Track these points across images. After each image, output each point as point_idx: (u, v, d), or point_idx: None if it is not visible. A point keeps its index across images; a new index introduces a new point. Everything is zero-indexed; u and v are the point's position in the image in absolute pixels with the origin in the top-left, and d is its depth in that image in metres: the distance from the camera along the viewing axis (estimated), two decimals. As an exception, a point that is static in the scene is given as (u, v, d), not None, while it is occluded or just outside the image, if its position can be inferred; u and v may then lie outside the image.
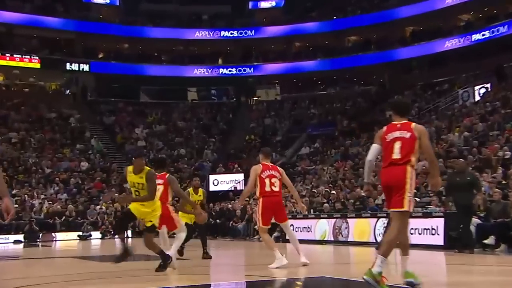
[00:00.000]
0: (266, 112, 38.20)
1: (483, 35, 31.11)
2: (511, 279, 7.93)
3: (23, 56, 34.47)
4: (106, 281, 8.10)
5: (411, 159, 5.44)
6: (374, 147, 5.84)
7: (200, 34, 38.38)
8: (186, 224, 9.56)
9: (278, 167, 9.05)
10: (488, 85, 28.34)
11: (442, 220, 13.54)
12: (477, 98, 27.35)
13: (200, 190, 11.12)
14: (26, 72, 35.52)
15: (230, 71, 38.72)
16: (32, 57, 34.66)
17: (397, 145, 5.48)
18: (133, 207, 8.22)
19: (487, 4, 31.94)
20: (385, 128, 5.79)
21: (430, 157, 5.79)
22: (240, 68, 38.67)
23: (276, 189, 8.66)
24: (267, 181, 8.53)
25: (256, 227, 17.17)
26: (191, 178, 10.91)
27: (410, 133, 5.50)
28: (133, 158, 8.09)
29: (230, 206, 24.33)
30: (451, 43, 32.54)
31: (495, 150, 18.16)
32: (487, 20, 31.93)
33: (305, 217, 19.63)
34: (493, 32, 30.72)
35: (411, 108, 7.42)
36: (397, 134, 5.56)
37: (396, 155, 5.46)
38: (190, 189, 10.98)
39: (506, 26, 30.27)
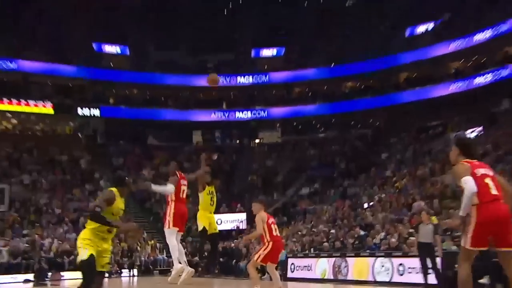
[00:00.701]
0: (268, 154, 38.22)
1: (474, 82, 31.49)
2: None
3: (37, 102, 34.78)
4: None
5: None
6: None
7: (205, 80, 39.10)
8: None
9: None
10: (480, 128, 28.34)
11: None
12: (469, 141, 27.12)
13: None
14: (40, 117, 35.88)
15: (233, 115, 39.04)
16: (45, 103, 34.98)
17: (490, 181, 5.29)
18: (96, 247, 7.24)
19: (477, 53, 32.57)
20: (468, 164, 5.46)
21: None
22: (243, 112, 39.02)
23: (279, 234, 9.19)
24: (273, 226, 8.91)
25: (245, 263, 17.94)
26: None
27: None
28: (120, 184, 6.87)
29: (233, 245, 24.30)
30: (445, 89, 33.02)
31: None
32: (476, 68, 32.53)
33: (306, 255, 19.75)
34: (485, 78, 31.01)
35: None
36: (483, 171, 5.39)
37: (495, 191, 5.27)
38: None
39: (490, 74, 30.93)
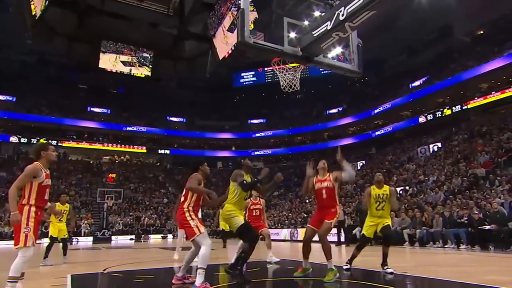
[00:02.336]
0: (257, 173, 40.24)
1: (363, 137, 33.72)
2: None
3: (137, 147, 36.73)
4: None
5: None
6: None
7: (225, 136, 40.34)
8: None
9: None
10: (363, 162, 30.03)
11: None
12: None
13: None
14: (138, 155, 37.04)
15: (239, 153, 40.07)
16: (141, 147, 36.78)
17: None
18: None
19: (363, 123, 34.16)
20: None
21: None
22: (244, 152, 39.96)
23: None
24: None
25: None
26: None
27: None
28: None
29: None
30: (347, 141, 34.22)
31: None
32: (363, 130, 34.22)
33: (276, 227, 19.66)
34: (367, 135, 33.04)
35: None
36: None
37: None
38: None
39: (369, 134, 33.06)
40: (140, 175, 34.19)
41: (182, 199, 4.20)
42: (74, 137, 34.92)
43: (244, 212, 5.69)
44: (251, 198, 6.88)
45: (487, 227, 8.82)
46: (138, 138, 37.36)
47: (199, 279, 3.68)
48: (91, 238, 21.83)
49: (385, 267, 4.95)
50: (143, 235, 23.08)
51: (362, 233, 5.37)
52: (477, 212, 9.59)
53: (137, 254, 10.17)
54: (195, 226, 3.91)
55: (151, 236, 23.32)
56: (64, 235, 7.52)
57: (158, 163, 38.10)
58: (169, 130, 38.61)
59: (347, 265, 5.14)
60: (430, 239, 10.35)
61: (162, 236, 23.36)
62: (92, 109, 36.91)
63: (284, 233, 18.21)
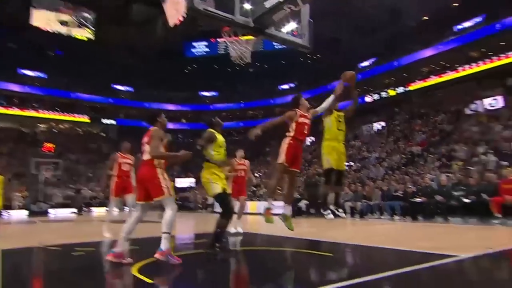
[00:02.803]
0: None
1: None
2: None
3: (79, 116, 33.96)
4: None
5: None
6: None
7: (175, 107, 39.04)
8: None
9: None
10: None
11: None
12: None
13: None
14: (80, 124, 34.52)
15: (189, 126, 39.26)
16: (84, 116, 34.04)
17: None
18: None
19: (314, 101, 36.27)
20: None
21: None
22: (194, 125, 38.70)
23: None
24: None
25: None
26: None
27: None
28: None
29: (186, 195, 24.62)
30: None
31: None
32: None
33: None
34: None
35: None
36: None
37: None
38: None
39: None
40: (82, 146, 32.53)
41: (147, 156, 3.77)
42: (4, 102, 31.61)
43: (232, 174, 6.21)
44: (236, 159, 7.12)
45: (418, 199, 9.69)
46: (79, 106, 34.93)
47: (164, 244, 3.54)
48: (26, 212, 20.41)
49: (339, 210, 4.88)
50: (85, 209, 22.22)
51: (330, 167, 4.73)
52: (411, 187, 10.47)
53: (78, 228, 9.86)
54: (166, 187, 3.67)
55: (95, 209, 22.60)
56: None
57: (103, 134, 36.41)
58: (115, 98, 36.69)
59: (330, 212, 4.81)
60: (369, 211, 11.16)
61: (106, 210, 22.22)
62: (23, 71, 33.49)
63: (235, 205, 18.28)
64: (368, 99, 29.62)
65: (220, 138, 4.57)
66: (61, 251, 5.00)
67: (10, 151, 28.47)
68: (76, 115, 34.19)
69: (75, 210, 21.63)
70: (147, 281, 2.97)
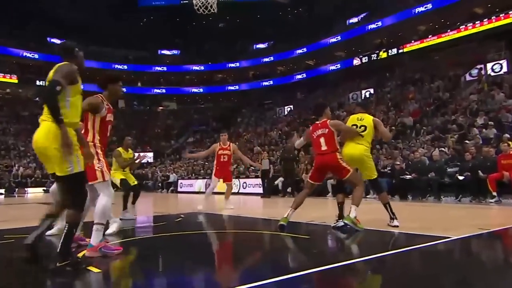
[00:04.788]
0: (168, 116, 38.93)
1: (293, 78, 35.23)
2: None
3: (4, 75, 33.11)
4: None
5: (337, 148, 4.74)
6: (300, 140, 5.16)
7: (128, 68, 37.79)
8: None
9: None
10: (291, 106, 31.40)
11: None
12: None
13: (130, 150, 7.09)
14: (6, 85, 33.62)
15: (145, 90, 39.02)
16: (11, 76, 32.99)
17: (322, 140, 4.71)
18: None
19: (291, 63, 35.24)
20: (310, 127, 4.97)
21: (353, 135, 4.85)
22: (152, 89, 39.22)
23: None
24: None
25: None
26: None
27: (327, 129, 4.72)
28: None
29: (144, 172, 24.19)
30: (274, 82, 35.79)
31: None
32: (293, 70, 35.51)
33: (189, 178, 19.90)
34: (296, 77, 34.32)
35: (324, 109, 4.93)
36: (319, 131, 4.78)
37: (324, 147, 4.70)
38: (121, 148, 6.91)
39: (300, 75, 34.46)
40: (10, 112, 31.72)
41: (82, 129, 3.40)
42: None
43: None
44: (220, 143, 7.83)
45: (408, 176, 10.03)
46: (5, 63, 33.11)
47: (95, 237, 3.29)
48: None
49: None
50: (17, 189, 21.88)
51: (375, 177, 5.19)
52: (399, 163, 10.78)
53: (8, 212, 9.57)
54: (100, 170, 3.42)
55: (29, 189, 22.22)
56: None
57: (36, 98, 34.94)
58: (51, 55, 34.39)
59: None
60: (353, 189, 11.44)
61: (44, 190, 22.01)
62: None
63: (199, 184, 18.37)
64: (356, 61, 29.92)
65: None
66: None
67: None
68: (0, 74, 32.27)
69: (3, 191, 21.12)
70: (94, 270, 2.92)
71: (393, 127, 16.47)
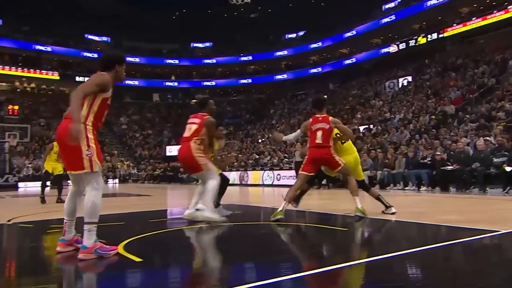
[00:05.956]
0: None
1: (324, 69, 35.07)
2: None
3: (47, 72, 34.48)
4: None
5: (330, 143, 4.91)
6: (297, 133, 5.31)
7: (162, 61, 39.01)
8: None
9: None
10: (325, 96, 32.28)
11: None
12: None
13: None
14: (48, 82, 34.91)
15: (179, 84, 39.70)
16: (53, 73, 34.73)
17: (319, 134, 4.88)
18: None
19: (325, 52, 35.29)
20: (310, 119, 5.08)
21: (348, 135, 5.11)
22: (185, 82, 39.64)
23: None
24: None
25: None
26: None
27: (328, 125, 4.88)
28: None
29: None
30: (307, 72, 35.73)
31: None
32: (325, 60, 35.38)
33: (224, 170, 20.98)
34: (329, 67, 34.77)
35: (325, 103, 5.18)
36: (319, 125, 4.92)
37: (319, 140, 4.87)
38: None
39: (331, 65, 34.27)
40: (52, 108, 32.52)
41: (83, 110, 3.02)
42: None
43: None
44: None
45: (450, 167, 9.68)
46: (47, 60, 34.80)
47: (88, 238, 2.97)
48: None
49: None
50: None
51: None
52: (439, 153, 10.41)
53: (52, 204, 9.99)
54: (88, 158, 2.94)
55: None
56: None
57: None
58: (89, 51, 36.28)
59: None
60: (391, 181, 11.21)
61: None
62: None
63: (233, 176, 18.53)
64: (392, 49, 29.05)
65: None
66: (33, 228, 5.07)
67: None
68: (43, 71, 33.65)
69: (48, 183, 21.96)
70: (135, 259, 2.99)
71: (433, 116, 15.92)
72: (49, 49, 34.34)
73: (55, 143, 8.72)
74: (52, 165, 8.75)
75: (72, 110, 2.84)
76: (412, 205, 7.20)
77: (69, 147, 2.90)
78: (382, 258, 2.86)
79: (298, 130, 5.29)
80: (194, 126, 4.84)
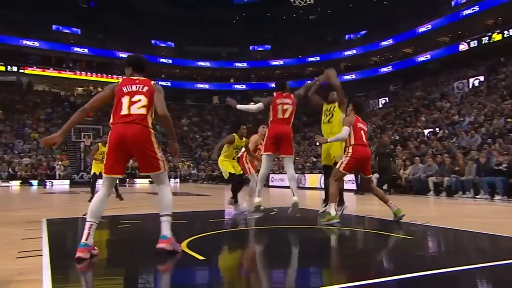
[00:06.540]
0: (259, 111, 40.55)
1: (382, 70, 33.89)
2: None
3: (117, 76, 34.55)
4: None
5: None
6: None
7: (221, 65, 39.69)
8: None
9: None
10: (386, 98, 30.12)
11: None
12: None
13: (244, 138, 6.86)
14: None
15: (238, 86, 40.42)
16: (122, 77, 37.00)
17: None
18: None
19: (385, 53, 34.30)
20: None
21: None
22: (243, 85, 40.24)
23: None
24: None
25: None
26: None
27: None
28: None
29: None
30: (368, 74, 34.74)
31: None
32: (385, 61, 34.13)
33: (280, 173, 19.36)
34: (388, 68, 33.12)
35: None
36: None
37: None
38: (236, 135, 6.73)
39: (390, 67, 32.92)
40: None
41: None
42: (39, 62, 34.16)
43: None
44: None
45: (529, 175, 8.95)
46: (117, 65, 36.42)
47: (168, 229, 3.20)
48: (67, 182, 22.51)
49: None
50: (128, 179, 23.70)
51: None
52: (518, 159, 9.68)
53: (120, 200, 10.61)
54: (162, 160, 3.25)
55: (137, 180, 24.12)
56: None
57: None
58: (155, 56, 37.77)
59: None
60: (459, 188, 10.57)
61: (150, 181, 23.62)
62: (57, 27, 35.77)
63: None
64: (462, 47, 27.35)
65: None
66: (106, 222, 5.44)
67: (47, 116, 31.13)
68: (113, 76, 35.92)
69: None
70: (198, 257, 3.12)
71: (509, 119, 14.75)
72: (121, 55, 36.31)
73: (100, 145, 9.33)
74: (100, 166, 8.98)
75: (171, 131, 3.29)
76: (484, 215, 6.74)
77: (145, 150, 3.14)
78: (450, 271, 2.72)
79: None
80: (290, 108, 5.19)
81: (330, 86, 6.00)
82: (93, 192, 9.16)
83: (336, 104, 5.78)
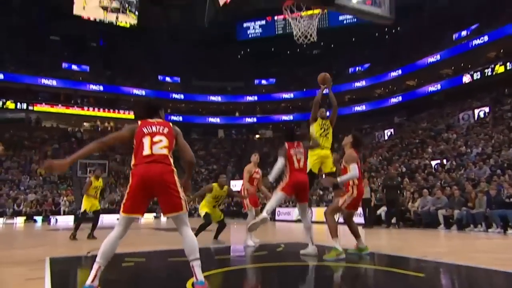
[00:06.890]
0: (264, 144, 39.17)
1: (389, 101, 33.79)
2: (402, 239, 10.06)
3: (124, 112, 36.33)
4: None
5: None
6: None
7: (227, 99, 40.21)
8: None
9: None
10: (392, 130, 30.04)
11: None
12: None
13: (225, 187, 7.85)
14: (124, 121, 35.77)
15: (242, 120, 40.73)
16: (128, 112, 36.26)
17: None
18: None
19: (389, 85, 34.36)
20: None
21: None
22: (248, 118, 40.59)
23: None
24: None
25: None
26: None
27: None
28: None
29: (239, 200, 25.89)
30: (371, 106, 34.76)
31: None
32: (389, 93, 34.33)
33: (286, 206, 19.64)
34: (394, 100, 33.00)
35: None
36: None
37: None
38: (215, 184, 7.76)
39: (396, 98, 33.03)
40: (128, 145, 34.43)
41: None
42: (48, 99, 34.86)
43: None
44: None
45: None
46: (124, 101, 37.34)
47: (201, 273, 3.12)
48: (71, 218, 22.38)
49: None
50: None
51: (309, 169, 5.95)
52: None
53: (126, 236, 10.50)
54: (184, 199, 3.22)
55: (146, 215, 23.83)
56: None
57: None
58: (162, 91, 38.50)
59: None
60: (470, 221, 10.37)
61: (154, 216, 23.95)
62: (67, 65, 36.74)
63: (296, 212, 18.24)
64: (466, 79, 27.64)
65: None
66: (110, 261, 5.35)
67: (54, 152, 31.40)
68: (120, 111, 36.49)
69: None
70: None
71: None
72: (134, 91, 36.87)
73: (92, 179, 9.30)
74: (92, 201, 9.25)
75: (190, 172, 3.40)
76: (496, 249, 6.56)
77: (169, 190, 3.11)
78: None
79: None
80: (302, 157, 5.33)
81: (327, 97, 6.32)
82: (76, 229, 9.02)
83: (329, 120, 6.32)
